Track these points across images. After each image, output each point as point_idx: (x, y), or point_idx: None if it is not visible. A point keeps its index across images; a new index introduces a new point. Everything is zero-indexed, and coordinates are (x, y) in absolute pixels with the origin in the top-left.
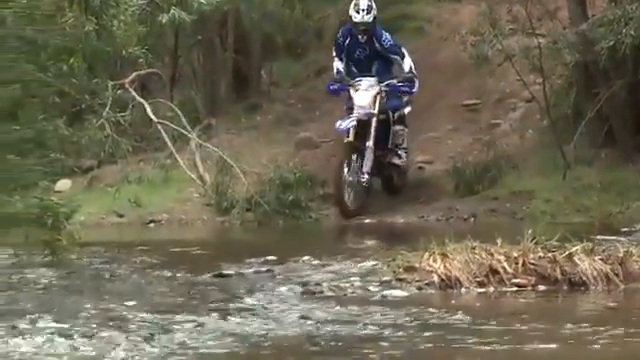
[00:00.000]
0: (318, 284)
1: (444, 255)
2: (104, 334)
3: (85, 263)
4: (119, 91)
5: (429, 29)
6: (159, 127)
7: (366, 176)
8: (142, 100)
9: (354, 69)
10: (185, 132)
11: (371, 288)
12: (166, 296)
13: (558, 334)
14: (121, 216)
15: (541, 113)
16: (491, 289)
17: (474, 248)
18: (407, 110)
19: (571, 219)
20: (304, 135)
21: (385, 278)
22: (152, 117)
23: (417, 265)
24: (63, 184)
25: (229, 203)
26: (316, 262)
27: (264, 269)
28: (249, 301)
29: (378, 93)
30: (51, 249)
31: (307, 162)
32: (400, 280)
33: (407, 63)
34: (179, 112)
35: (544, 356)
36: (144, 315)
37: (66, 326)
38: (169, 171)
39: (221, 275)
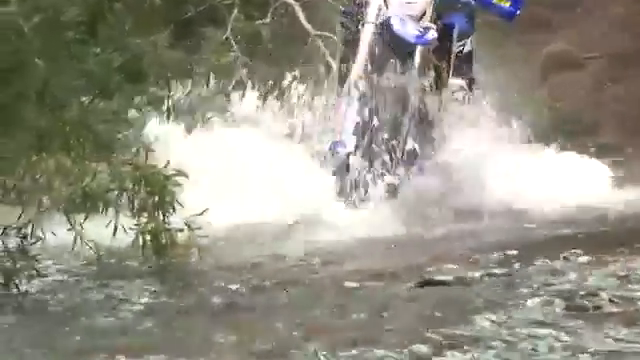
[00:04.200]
0: (592, 294)
1: None
2: None
3: (208, 270)
4: None
5: None
6: (319, 44)
7: None
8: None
9: None
10: None
11: None
12: (348, 319)
13: None
14: None
15: None
16: None
17: None
18: None
19: None
20: (555, 48)
21: None
22: (307, 27)
23: None
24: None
25: None
26: (584, 257)
27: (500, 270)
28: (479, 324)
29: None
30: (155, 248)
31: (560, 93)
32: None
33: None
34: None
35: None
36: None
37: None
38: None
39: (430, 283)
